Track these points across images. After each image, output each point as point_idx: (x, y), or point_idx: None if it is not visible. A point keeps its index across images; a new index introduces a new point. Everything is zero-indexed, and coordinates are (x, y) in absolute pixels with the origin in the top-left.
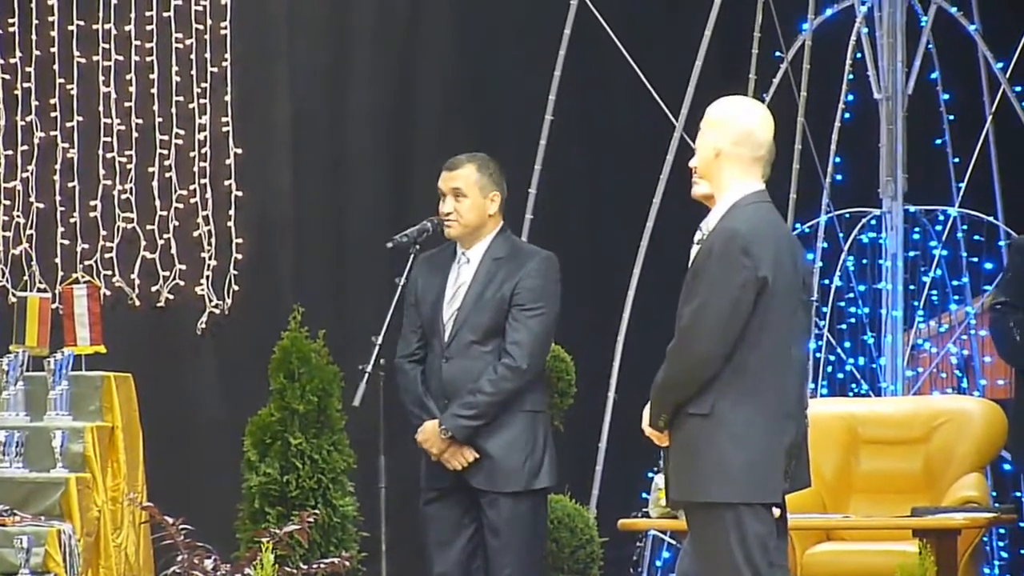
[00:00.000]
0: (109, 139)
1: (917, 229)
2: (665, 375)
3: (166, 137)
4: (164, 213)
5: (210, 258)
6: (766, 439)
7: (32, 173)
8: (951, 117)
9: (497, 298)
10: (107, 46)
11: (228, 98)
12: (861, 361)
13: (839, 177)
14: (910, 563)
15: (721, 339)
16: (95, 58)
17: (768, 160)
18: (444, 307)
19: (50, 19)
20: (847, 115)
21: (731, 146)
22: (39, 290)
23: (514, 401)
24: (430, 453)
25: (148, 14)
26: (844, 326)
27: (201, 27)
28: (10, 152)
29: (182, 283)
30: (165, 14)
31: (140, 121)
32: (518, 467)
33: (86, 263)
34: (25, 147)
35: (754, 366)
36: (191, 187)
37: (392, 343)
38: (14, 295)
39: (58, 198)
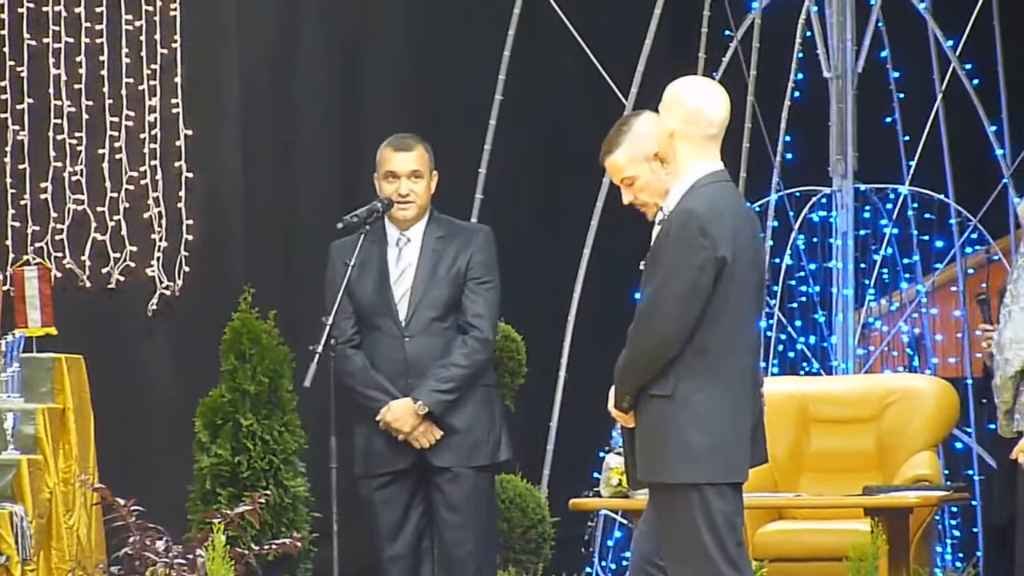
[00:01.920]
0: (59, 121)
1: (867, 207)
2: (626, 357)
3: (116, 119)
4: (115, 195)
5: (161, 239)
6: (729, 419)
7: None
8: (901, 95)
9: (452, 273)
10: (57, 28)
11: (178, 80)
12: (812, 340)
13: (789, 156)
14: (862, 542)
15: (681, 320)
16: (45, 40)
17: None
18: (392, 287)
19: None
20: (797, 94)
21: (682, 125)
22: None
23: (477, 374)
24: (398, 433)
25: None
26: (795, 305)
27: (151, 9)
28: None
29: (133, 265)
30: None
31: (90, 103)
32: (484, 440)
33: (37, 245)
34: None
35: (715, 346)
36: (141, 169)
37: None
38: None
39: (8, 180)
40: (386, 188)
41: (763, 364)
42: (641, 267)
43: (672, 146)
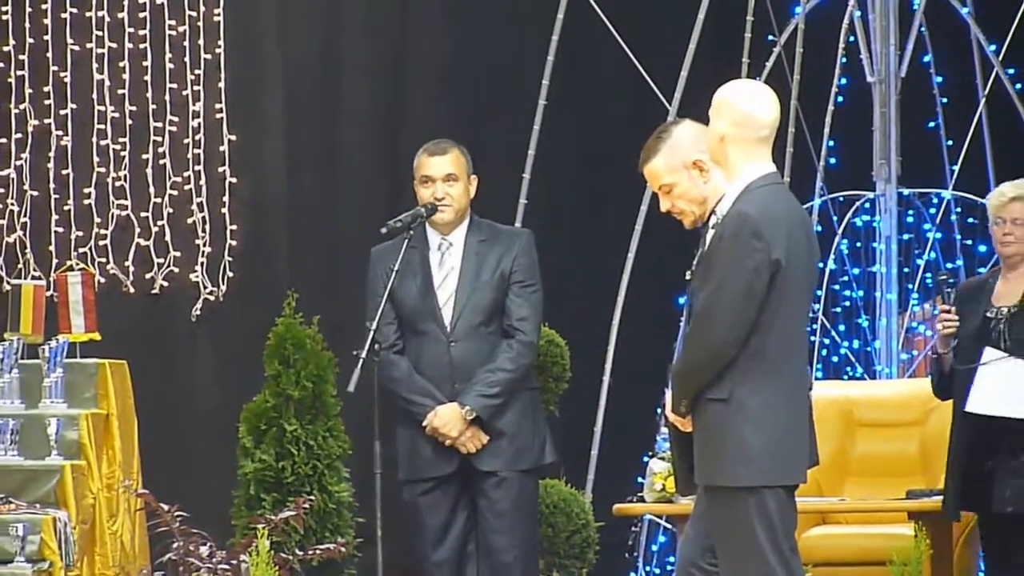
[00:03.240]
0: (103, 126)
1: (911, 212)
2: (682, 361)
3: (160, 124)
4: (158, 200)
5: (204, 245)
6: (785, 421)
7: (26, 161)
8: (944, 100)
9: (496, 277)
10: (100, 33)
11: (222, 85)
12: (856, 344)
13: (833, 160)
14: (905, 546)
15: (736, 324)
16: (88, 45)
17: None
18: (436, 292)
19: (43, 6)
20: (840, 98)
21: (733, 128)
22: (34, 278)
23: (522, 378)
24: (445, 438)
25: (141, 1)
26: (839, 309)
27: (194, 14)
28: (4, 140)
29: (176, 270)
30: (158, 1)
31: (134, 108)
32: (529, 444)
33: (80, 250)
34: (19, 135)
35: (771, 349)
36: (185, 174)
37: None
38: (9, 283)
39: (52, 186)
40: (423, 193)
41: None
42: (688, 276)
43: (723, 150)
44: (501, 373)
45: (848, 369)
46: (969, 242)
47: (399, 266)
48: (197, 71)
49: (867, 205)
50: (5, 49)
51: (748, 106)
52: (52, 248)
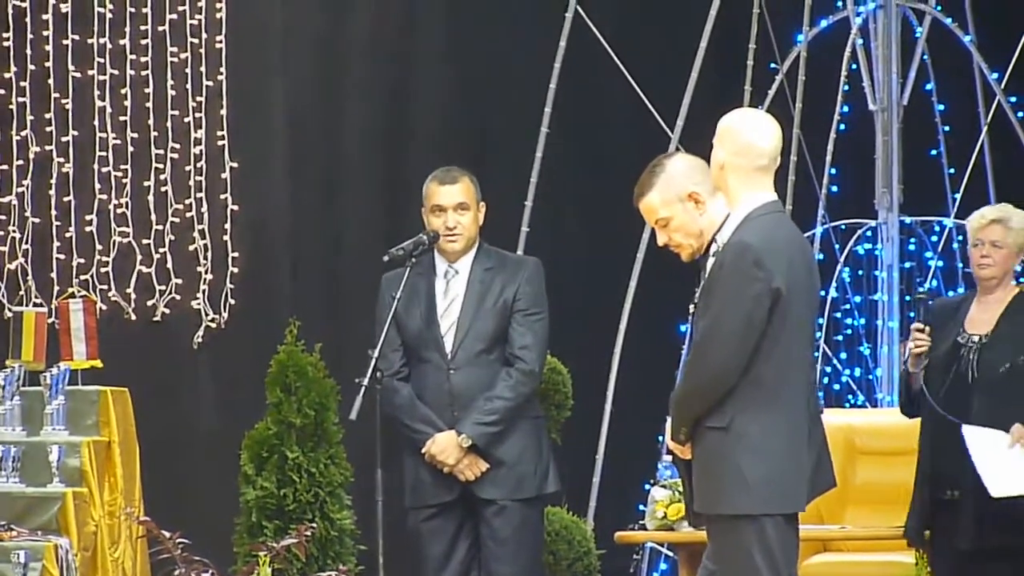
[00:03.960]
0: (104, 153)
1: (913, 240)
2: (682, 389)
3: (161, 151)
4: (160, 227)
5: (206, 272)
6: (785, 449)
7: (28, 188)
8: (946, 128)
9: (499, 305)
10: (102, 60)
11: (223, 112)
12: (857, 372)
13: (835, 188)
14: (906, 574)
15: (736, 352)
16: (90, 72)
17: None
18: (439, 320)
19: (45, 33)
20: (842, 126)
21: (732, 157)
22: (35, 305)
23: (522, 407)
24: (443, 465)
25: (143, 28)
26: (840, 337)
27: (196, 41)
28: (5, 167)
29: (178, 297)
30: (160, 28)
31: (135, 135)
32: (530, 473)
33: (82, 277)
34: (20, 162)
35: (771, 377)
36: (187, 201)
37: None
38: (10, 310)
39: (54, 212)
40: (434, 222)
41: None
42: (691, 309)
43: (724, 178)
44: (499, 401)
45: (850, 397)
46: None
47: (401, 293)
48: (199, 98)
49: (869, 233)
50: (7, 76)
51: (748, 135)
52: (54, 275)
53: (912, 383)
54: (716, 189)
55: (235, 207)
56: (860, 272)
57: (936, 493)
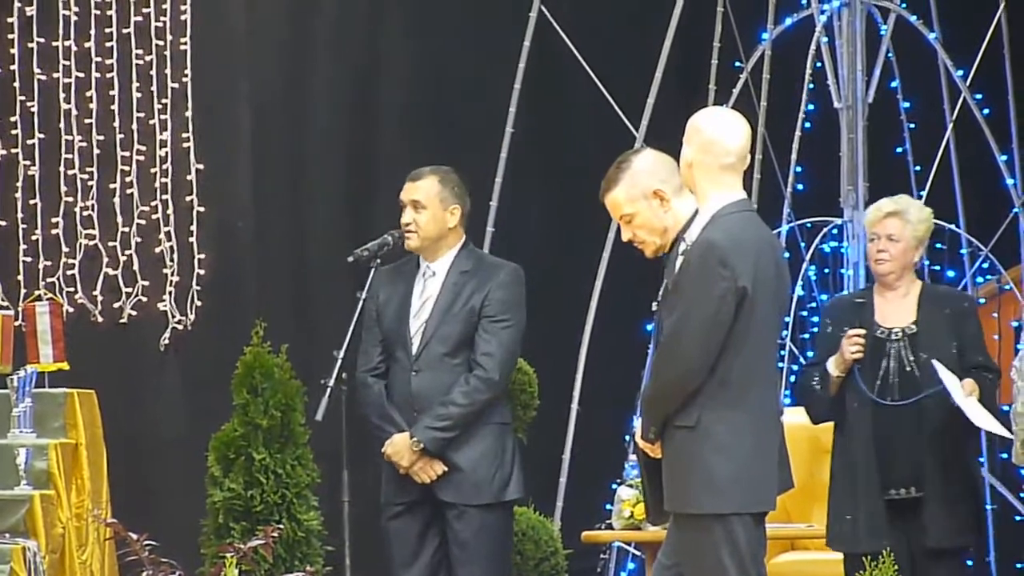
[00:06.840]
0: (70, 156)
1: None
2: (650, 388)
3: (127, 153)
4: (126, 229)
5: (172, 274)
6: (753, 448)
7: None
8: (912, 125)
9: (466, 310)
10: (67, 63)
11: (189, 114)
12: None
13: (800, 186)
14: (873, 573)
15: (703, 351)
16: (55, 75)
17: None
18: (411, 320)
19: (10, 36)
20: (807, 124)
21: (699, 155)
22: (1, 307)
23: (484, 413)
24: (398, 466)
25: (108, 30)
26: (807, 335)
27: (161, 43)
28: None
29: (145, 299)
30: (125, 30)
31: (101, 137)
32: (487, 479)
33: (48, 280)
34: None
35: (738, 376)
36: (153, 203)
37: (354, 357)
38: None
39: (20, 215)
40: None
41: None
42: (654, 307)
43: (691, 176)
44: (452, 407)
45: None
46: (937, 268)
47: (368, 293)
48: (164, 100)
49: (835, 231)
50: None
51: (714, 133)
52: (20, 278)
53: (832, 387)
54: (685, 187)
55: (201, 209)
56: (826, 270)
57: (887, 492)
